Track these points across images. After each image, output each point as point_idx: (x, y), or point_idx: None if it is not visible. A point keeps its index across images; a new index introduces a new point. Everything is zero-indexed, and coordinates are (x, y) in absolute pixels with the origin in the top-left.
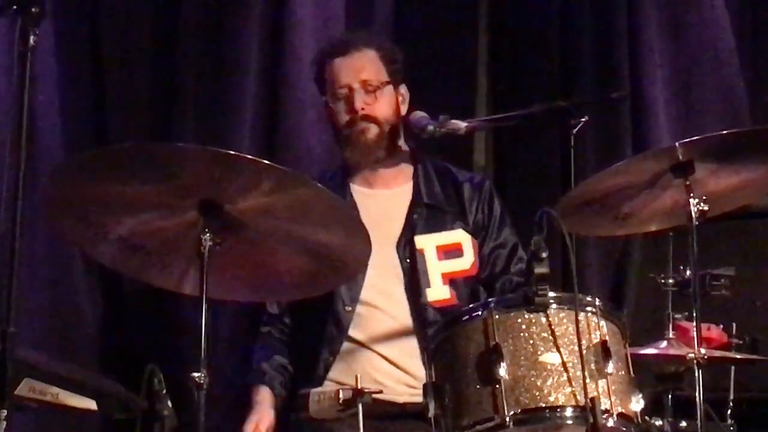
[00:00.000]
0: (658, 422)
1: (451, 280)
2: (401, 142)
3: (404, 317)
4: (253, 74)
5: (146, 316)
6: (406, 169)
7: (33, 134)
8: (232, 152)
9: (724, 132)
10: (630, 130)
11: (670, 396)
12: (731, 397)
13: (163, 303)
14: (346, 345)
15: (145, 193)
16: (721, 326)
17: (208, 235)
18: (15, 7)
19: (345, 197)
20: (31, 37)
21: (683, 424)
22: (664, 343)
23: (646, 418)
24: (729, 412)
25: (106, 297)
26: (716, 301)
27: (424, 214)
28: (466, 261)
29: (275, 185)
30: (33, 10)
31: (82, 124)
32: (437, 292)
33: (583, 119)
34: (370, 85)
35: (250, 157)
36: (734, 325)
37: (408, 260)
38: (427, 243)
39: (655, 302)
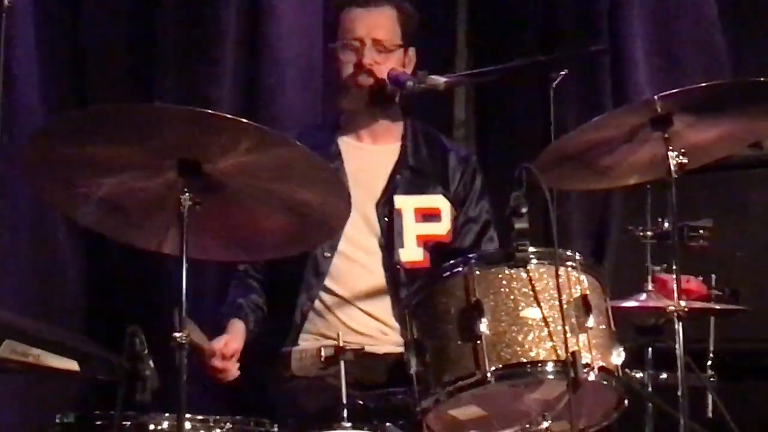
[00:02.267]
0: (639, 375)
1: (425, 242)
2: (396, 100)
3: (379, 273)
4: (233, 33)
5: (130, 276)
6: (396, 128)
7: (13, 95)
8: (209, 112)
9: (702, 85)
10: (610, 83)
11: (650, 348)
12: (711, 348)
13: (147, 263)
14: (323, 296)
15: (124, 154)
16: (701, 278)
17: (187, 195)
18: None
19: (331, 148)
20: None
21: (663, 376)
22: (644, 296)
23: (627, 370)
24: (709, 363)
25: (90, 257)
26: (695, 252)
27: (407, 176)
28: (443, 227)
29: (254, 145)
30: None
31: (61, 83)
32: (411, 253)
33: (562, 73)
34: (382, 45)
35: (228, 116)
36: (714, 276)
37: (386, 219)
38: (406, 204)
39: (635, 255)
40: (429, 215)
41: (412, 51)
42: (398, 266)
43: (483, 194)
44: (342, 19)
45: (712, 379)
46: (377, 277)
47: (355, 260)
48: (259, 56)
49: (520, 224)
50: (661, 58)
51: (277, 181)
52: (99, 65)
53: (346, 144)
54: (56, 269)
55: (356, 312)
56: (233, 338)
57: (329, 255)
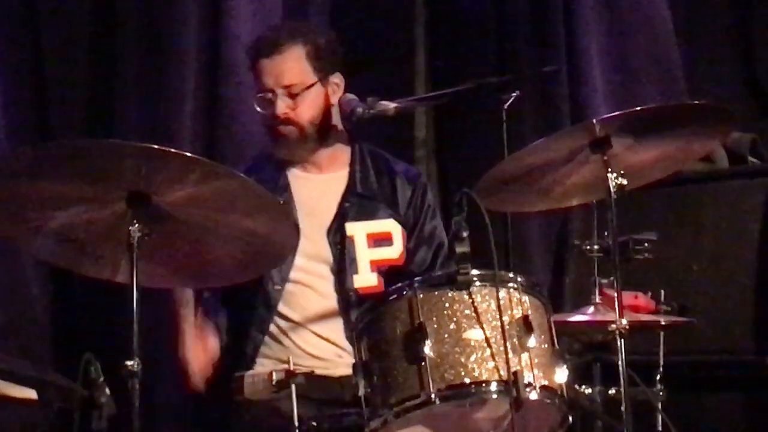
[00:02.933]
0: (587, 390)
1: (379, 267)
2: (338, 126)
3: (332, 298)
4: (193, 61)
5: (96, 302)
6: (343, 154)
7: None
8: (155, 146)
9: (639, 108)
10: (568, 101)
11: (598, 364)
12: (661, 362)
13: (112, 289)
14: (277, 321)
15: (75, 188)
16: (649, 293)
17: (136, 226)
18: None
19: (280, 180)
20: None
21: (612, 391)
22: (591, 309)
23: (575, 386)
24: (658, 377)
25: (57, 285)
26: (644, 266)
27: (355, 202)
28: (395, 250)
29: (200, 177)
30: None
31: (23, 117)
32: (365, 278)
33: (514, 94)
34: (292, 90)
35: (174, 150)
36: (662, 292)
37: (338, 246)
38: (357, 230)
39: (586, 270)
40: (381, 240)
41: (336, 77)
42: (351, 293)
43: (434, 215)
44: (254, 71)
45: (660, 393)
46: (330, 302)
47: (308, 286)
48: (219, 82)
49: (462, 248)
50: (617, 73)
51: (224, 212)
52: (61, 95)
53: (294, 175)
54: (22, 296)
55: (311, 335)
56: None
57: (279, 287)
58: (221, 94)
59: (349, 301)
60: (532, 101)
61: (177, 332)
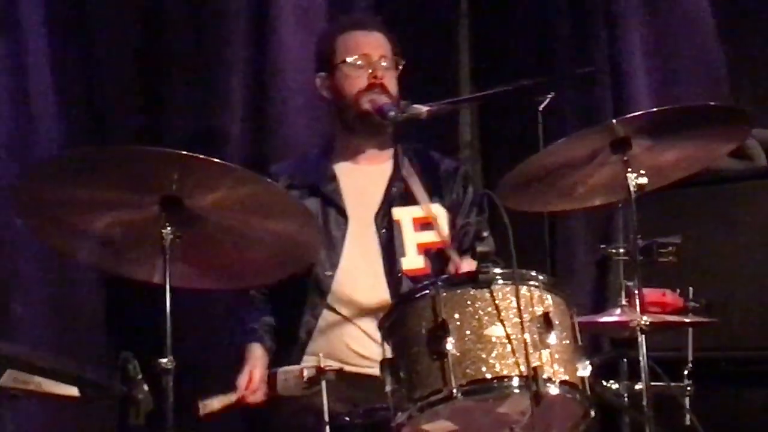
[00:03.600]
0: (615, 386)
1: (425, 250)
2: (387, 132)
3: (381, 287)
4: (240, 64)
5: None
6: (388, 149)
7: (31, 129)
8: (186, 153)
9: (659, 109)
10: (610, 101)
11: (625, 360)
12: (689, 357)
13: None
14: (327, 314)
15: (111, 193)
16: (677, 291)
17: (169, 228)
18: None
19: (327, 172)
20: None
21: (638, 386)
22: (618, 310)
23: (602, 382)
24: (686, 372)
25: (107, 287)
26: (675, 264)
27: (401, 188)
28: (440, 234)
29: (230, 182)
30: None
31: (79, 125)
32: (412, 261)
33: (549, 95)
34: (387, 62)
35: (203, 156)
36: (690, 289)
37: (384, 230)
38: (403, 215)
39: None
40: (426, 224)
41: (400, 64)
42: (400, 275)
43: (475, 200)
44: (342, 43)
45: (688, 388)
46: (380, 291)
47: (357, 276)
48: (266, 86)
49: (483, 247)
50: (659, 72)
51: (253, 215)
52: (113, 104)
53: (341, 166)
54: (73, 300)
55: (358, 333)
56: (254, 365)
57: (330, 273)
58: (268, 98)
59: (397, 284)
60: (575, 102)
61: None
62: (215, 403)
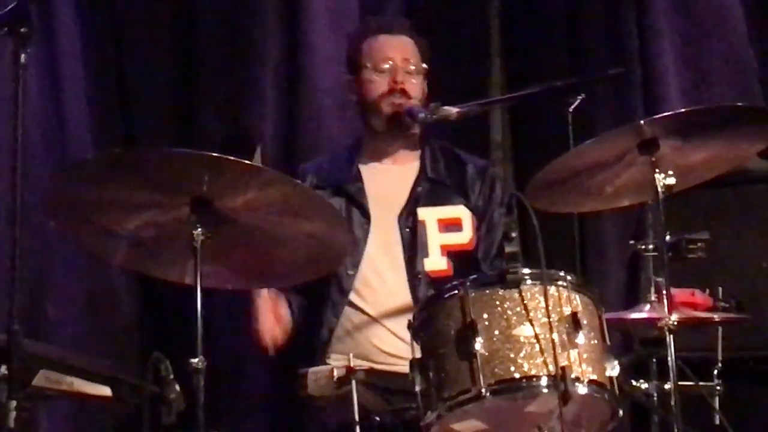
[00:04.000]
0: (644, 385)
1: (449, 252)
2: (415, 133)
3: (402, 287)
4: (271, 67)
5: (170, 303)
6: (415, 149)
7: (65, 135)
8: (216, 155)
9: (687, 109)
10: (642, 102)
11: (654, 360)
12: (719, 357)
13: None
14: (350, 312)
15: (142, 194)
16: (707, 290)
17: (199, 229)
18: (5, 29)
19: (352, 171)
20: (22, 56)
21: (667, 386)
22: (647, 307)
23: (632, 381)
24: (716, 372)
25: (143, 285)
26: (705, 263)
27: (427, 188)
28: (465, 236)
29: (259, 184)
30: (22, 30)
31: (110, 125)
32: (435, 262)
33: (580, 97)
34: (411, 66)
35: (233, 158)
36: (720, 289)
37: (408, 230)
38: (428, 215)
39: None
40: (451, 225)
41: (425, 83)
42: (419, 276)
43: (503, 202)
44: (367, 46)
45: (718, 387)
46: (399, 292)
47: (379, 275)
48: (297, 86)
49: (511, 248)
50: (691, 75)
51: (283, 216)
52: (144, 103)
53: (366, 166)
54: (109, 297)
55: (384, 332)
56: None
57: (352, 273)
58: (299, 98)
59: (418, 285)
60: (605, 103)
61: (252, 305)
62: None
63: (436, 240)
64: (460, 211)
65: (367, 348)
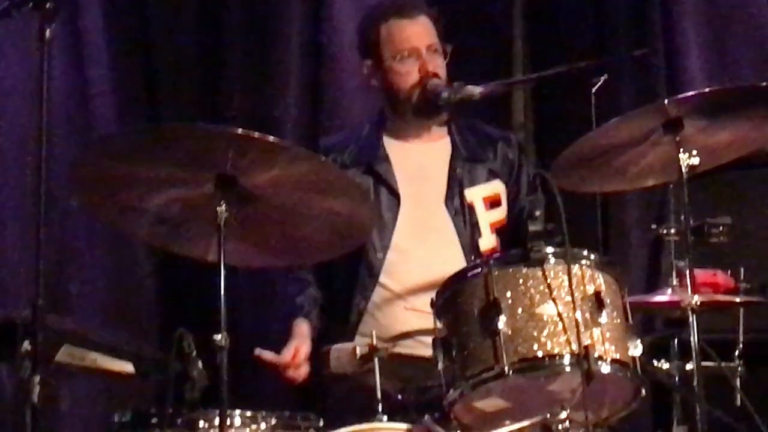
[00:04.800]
0: (666, 365)
1: (497, 229)
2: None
3: (436, 265)
4: (296, 46)
5: (202, 282)
6: (442, 128)
7: (90, 113)
8: (241, 131)
9: (712, 89)
10: (665, 84)
11: (676, 340)
12: (741, 338)
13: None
14: (378, 292)
15: (167, 170)
16: (729, 272)
17: (223, 206)
18: (31, 4)
19: (379, 151)
20: (47, 31)
21: (689, 366)
22: (670, 290)
23: (654, 361)
24: (737, 353)
25: (165, 265)
26: (728, 245)
27: (466, 168)
28: (503, 211)
29: (284, 160)
30: (47, 5)
31: (134, 103)
32: (488, 241)
33: (603, 77)
34: (435, 49)
35: (257, 135)
36: (742, 270)
37: (459, 213)
38: (475, 195)
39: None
40: (494, 202)
41: (447, 47)
42: (474, 257)
43: (529, 173)
44: (385, 32)
45: (739, 369)
46: (431, 271)
47: (411, 255)
48: (321, 67)
49: (534, 227)
50: (715, 56)
51: (308, 193)
52: (169, 81)
53: (393, 145)
54: (133, 277)
55: (411, 313)
56: (301, 343)
57: (381, 256)
58: (323, 78)
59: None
60: (629, 84)
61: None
62: (266, 353)
63: (485, 219)
64: (498, 187)
65: (394, 327)
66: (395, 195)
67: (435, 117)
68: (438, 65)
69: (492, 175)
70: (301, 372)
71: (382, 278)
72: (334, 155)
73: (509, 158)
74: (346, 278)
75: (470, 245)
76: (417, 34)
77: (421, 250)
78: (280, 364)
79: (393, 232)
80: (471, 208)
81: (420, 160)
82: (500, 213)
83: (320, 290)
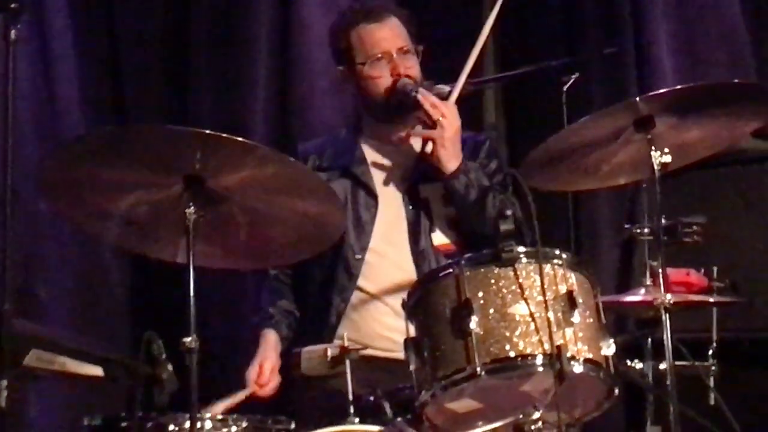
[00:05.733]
0: (639, 365)
1: (454, 224)
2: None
3: (409, 266)
4: (264, 46)
5: (171, 282)
6: (414, 126)
7: (55, 115)
8: (208, 132)
9: (682, 86)
10: (635, 83)
11: (649, 340)
12: (714, 338)
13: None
14: (356, 294)
15: (134, 172)
16: (702, 271)
17: (192, 208)
18: None
19: (356, 153)
20: (12, 32)
21: (662, 366)
22: (643, 290)
23: (627, 361)
24: (711, 352)
25: (134, 266)
26: (701, 244)
27: (429, 166)
28: None
29: (252, 162)
30: (12, 5)
31: (101, 104)
32: (443, 236)
33: (574, 76)
34: (406, 50)
35: (226, 135)
36: (715, 269)
37: (411, 207)
38: (432, 191)
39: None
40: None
41: (419, 48)
42: (425, 252)
43: (500, 170)
44: (356, 37)
45: (713, 368)
46: (406, 272)
47: (386, 256)
48: (290, 67)
49: (506, 226)
50: (685, 55)
51: (276, 195)
52: (136, 83)
53: (369, 147)
54: (101, 280)
55: (389, 313)
56: (266, 356)
57: (360, 257)
58: (292, 79)
59: (422, 262)
60: (600, 82)
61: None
62: (220, 407)
63: (442, 215)
64: None
65: (372, 328)
66: (373, 196)
67: (408, 117)
68: (410, 66)
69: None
70: (269, 388)
71: (361, 281)
72: (313, 159)
73: (478, 160)
74: (324, 280)
75: (415, 239)
76: (387, 38)
77: (394, 250)
78: (249, 396)
79: (371, 234)
80: (425, 202)
81: (396, 161)
82: None
83: (296, 297)
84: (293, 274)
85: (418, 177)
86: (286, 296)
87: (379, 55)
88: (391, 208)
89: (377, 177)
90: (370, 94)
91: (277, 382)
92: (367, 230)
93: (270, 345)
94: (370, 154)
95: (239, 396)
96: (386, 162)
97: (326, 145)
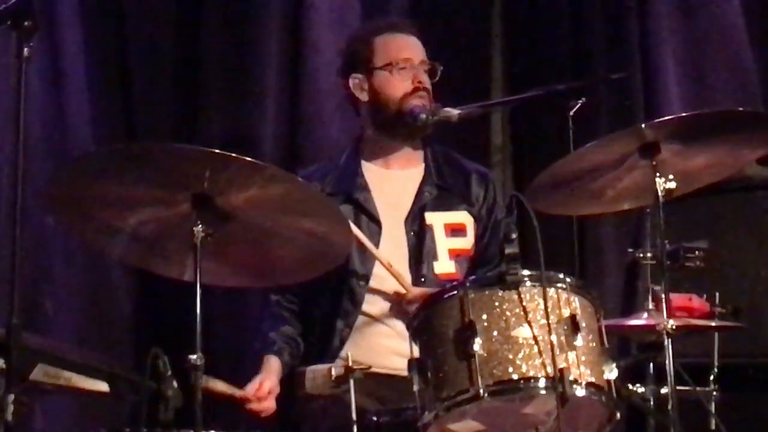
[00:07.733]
0: (641, 389)
1: (456, 256)
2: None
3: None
4: (274, 67)
5: (179, 299)
6: (418, 154)
7: (66, 132)
8: (217, 151)
9: (688, 113)
10: (642, 108)
11: (651, 364)
12: (715, 363)
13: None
14: (360, 319)
15: (143, 190)
16: (704, 296)
17: (200, 226)
18: (9, 22)
19: (357, 179)
20: (25, 49)
21: (664, 390)
22: (645, 314)
23: (629, 385)
24: (712, 377)
25: (139, 284)
26: (704, 270)
27: (434, 194)
28: (468, 241)
29: (261, 180)
30: (26, 23)
31: (111, 121)
32: (444, 266)
33: (580, 101)
34: (426, 67)
35: (235, 155)
36: (717, 294)
37: (413, 234)
38: (436, 220)
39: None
40: (457, 230)
41: (438, 66)
42: (425, 279)
43: (503, 211)
44: (380, 43)
45: (714, 393)
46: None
47: (390, 282)
48: (300, 87)
49: (511, 249)
50: (691, 79)
51: (284, 214)
52: (146, 101)
53: (372, 172)
54: (108, 296)
55: (392, 336)
56: (267, 377)
57: (363, 284)
58: (301, 100)
59: (424, 287)
60: (607, 108)
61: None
62: (219, 384)
63: (444, 244)
64: (464, 217)
65: (376, 351)
66: (376, 222)
67: (412, 138)
68: (427, 82)
69: (460, 204)
70: (264, 406)
71: (365, 306)
72: (316, 185)
73: (483, 194)
74: (329, 304)
75: (417, 266)
76: (411, 48)
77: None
78: (243, 397)
79: (375, 260)
80: (430, 230)
81: (398, 187)
82: (464, 242)
83: (299, 321)
84: (296, 301)
85: (423, 202)
86: (288, 322)
87: (405, 58)
88: (393, 234)
89: (380, 202)
90: (384, 99)
91: (272, 405)
92: (369, 256)
93: (272, 369)
94: (372, 180)
95: (236, 392)
96: (388, 188)
97: (327, 170)
